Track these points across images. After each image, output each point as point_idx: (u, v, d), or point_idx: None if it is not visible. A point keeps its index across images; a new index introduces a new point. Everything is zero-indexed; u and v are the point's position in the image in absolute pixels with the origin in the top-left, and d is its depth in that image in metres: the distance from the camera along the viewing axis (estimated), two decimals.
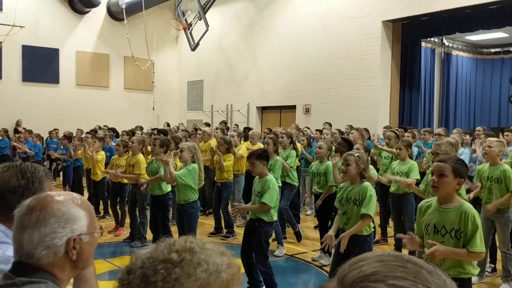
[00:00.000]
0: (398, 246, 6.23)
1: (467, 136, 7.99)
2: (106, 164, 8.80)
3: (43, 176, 1.82)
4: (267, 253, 4.90)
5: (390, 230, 7.03)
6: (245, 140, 9.04)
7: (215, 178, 7.60)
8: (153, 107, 17.63)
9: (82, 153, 8.74)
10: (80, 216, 1.40)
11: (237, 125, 13.32)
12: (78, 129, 12.15)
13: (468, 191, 5.25)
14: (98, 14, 17.64)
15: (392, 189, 6.20)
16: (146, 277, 0.94)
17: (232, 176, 7.56)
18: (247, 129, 10.51)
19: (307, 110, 14.41)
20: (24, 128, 13.61)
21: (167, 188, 6.17)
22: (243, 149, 8.02)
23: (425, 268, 0.67)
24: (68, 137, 9.84)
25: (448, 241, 3.10)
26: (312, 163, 6.76)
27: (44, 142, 12.98)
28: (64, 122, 12.20)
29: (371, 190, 4.24)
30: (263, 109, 16.33)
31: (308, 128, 11.15)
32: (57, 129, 12.03)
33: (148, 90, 18.14)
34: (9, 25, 14.48)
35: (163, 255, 0.97)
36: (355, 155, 4.35)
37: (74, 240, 1.37)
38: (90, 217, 1.44)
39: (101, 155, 8.41)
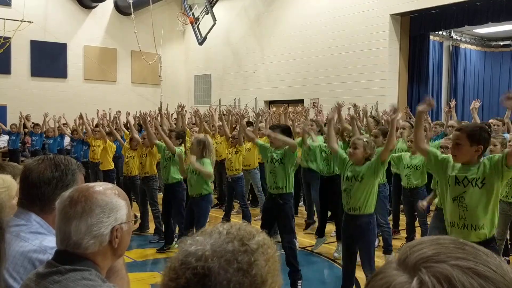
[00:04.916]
0: (411, 238, 6.26)
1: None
2: (115, 158, 8.91)
3: (75, 168, 1.87)
4: (294, 230, 4.95)
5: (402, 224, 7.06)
6: None
7: (227, 173, 7.66)
8: (161, 101, 17.65)
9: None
10: (121, 206, 1.45)
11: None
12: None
13: None
14: (106, 8, 17.65)
15: (403, 183, 6.21)
16: (225, 269, 0.94)
17: (242, 171, 7.61)
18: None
19: (314, 104, 14.39)
20: (33, 123, 13.71)
21: (180, 177, 6.18)
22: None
23: (481, 250, 0.69)
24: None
25: (471, 191, 3.27)
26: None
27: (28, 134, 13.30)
28: (73, 116, 12.23)
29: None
30: (271, 103, 16.33)
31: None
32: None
33: (155, 84, 18.18)
34: (18, 20, 14.53)
35: (232, 246, 0.97)
36: (364, 139, 4.42)
37: (116, 229, 1.42)
38: (128, 206, 1.50)
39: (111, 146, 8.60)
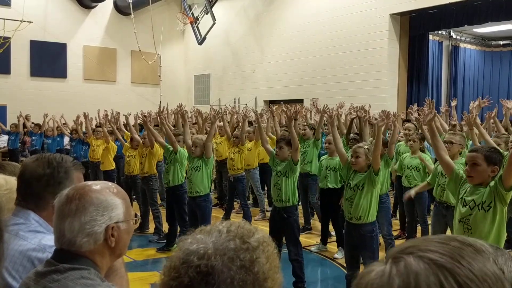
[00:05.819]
0: (411, 237, 6.26)
1: None
2: (116, 157, 8.90)
3: (70, 166, 1.86)
4: (300, 241, 4.95)
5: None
6: None
7: (229, 172, 7.66)
8: (160, 101, 17.65)
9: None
10: (117, 204, 1.44)
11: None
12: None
13: None
14: (105, 8, 17.66)
15: (404, 183, 6.19)
16: (228, 267, 0.93)
17: (244, 170, 7.61)
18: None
19: (314, 104, 14.40)
20: (32, 123, 13.71)
21: (181, 179, 6.20)
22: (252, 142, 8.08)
23: (473, 247, 0.66)
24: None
25: (476, 214, 3.26)
26: (322, 158, 6.55)
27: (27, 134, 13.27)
28: (72, 116, 12.22)
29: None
30: (270, 103, 16.33)
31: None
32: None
33: (155, 84, 18.19)
34: (17, 20, 14.53)
35: (234, 244, 0.97)
36: (365, 147, 4.35)
37: (112, 228, 1.42)
38: (126, 205, 1.48)
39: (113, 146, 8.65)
